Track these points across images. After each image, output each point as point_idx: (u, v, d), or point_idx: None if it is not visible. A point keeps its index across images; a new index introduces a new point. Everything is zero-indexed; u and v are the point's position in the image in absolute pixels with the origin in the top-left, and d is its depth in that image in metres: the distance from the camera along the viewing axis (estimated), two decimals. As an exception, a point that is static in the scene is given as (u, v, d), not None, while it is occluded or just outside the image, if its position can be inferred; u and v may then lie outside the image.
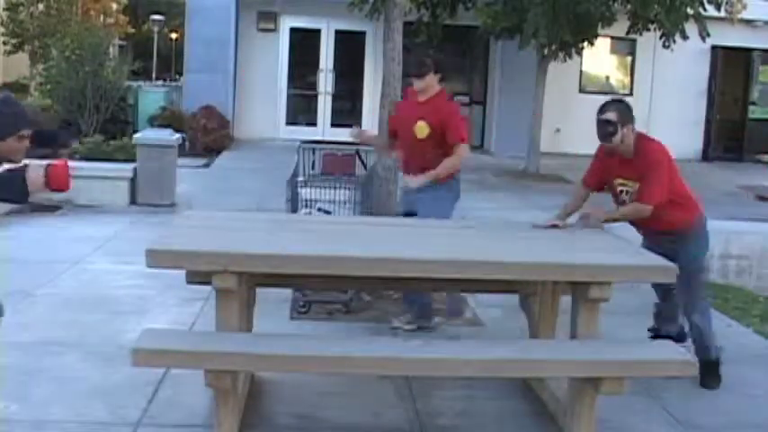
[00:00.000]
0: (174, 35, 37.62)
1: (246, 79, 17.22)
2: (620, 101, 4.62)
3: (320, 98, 17.93)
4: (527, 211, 10.53)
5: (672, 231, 4.54)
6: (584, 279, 3.80)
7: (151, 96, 15.80)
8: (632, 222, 4.69)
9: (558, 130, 17.36)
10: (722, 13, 14.09)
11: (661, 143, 4.57)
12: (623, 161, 4.52)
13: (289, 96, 18.01)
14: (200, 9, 16.26)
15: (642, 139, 4.54)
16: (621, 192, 4.58)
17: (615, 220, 4.60)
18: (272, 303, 5.29)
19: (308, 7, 17.15)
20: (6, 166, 3.31)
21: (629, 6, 13.53)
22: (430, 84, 5.23)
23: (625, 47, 18.32)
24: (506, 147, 16.73)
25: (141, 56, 26.59)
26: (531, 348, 4.03)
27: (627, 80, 18.96)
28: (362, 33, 17.58)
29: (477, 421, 4.12)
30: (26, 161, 3.28)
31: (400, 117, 5.50)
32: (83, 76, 13.49)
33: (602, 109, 4.51)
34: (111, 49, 16.53)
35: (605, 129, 4.44)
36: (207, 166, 13.43)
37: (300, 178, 5.91)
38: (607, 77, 19.25)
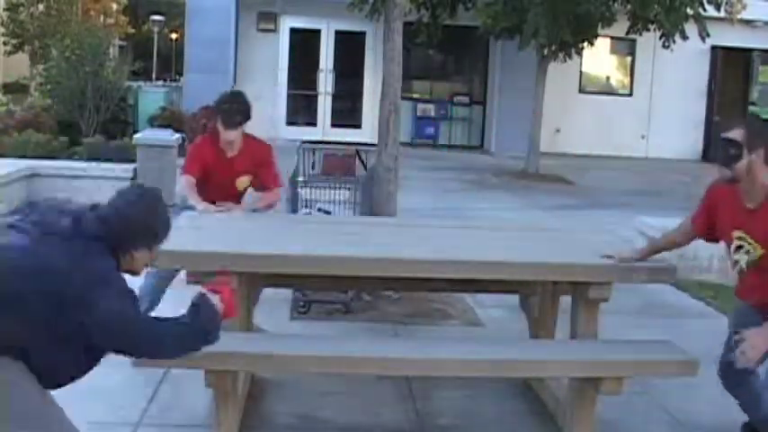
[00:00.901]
0: (174, 35, 37.66)
1: (246, 79, 17.21)
2: (757, 118, 3.48)
3: (320, 98, 17.94)
4: (527, 211, 10.54)
5: None
6: (583, 279, 3.80)
7: (151, 96, 15.76)
8: (740, 292, 3.66)
9: (557, 131, 17.36)
10: (722, 14, 14.10)
11: None
12: (747, 210, 3.47)
13: (289, 96, 18.01)
14: (200, 9, 16.26)
15: None
16: (739, 248, 3.51)
17: None
18: (273, 303, 5.29)
19: (308, 8, 17.16)
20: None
21: (628, 6, 13.54)
22: (240, 134, 4.86)
23: (625, 47, 18.34)
24: (506, 147, 16.76)
25: (141, 56, 26.57)
26: (531, 348, 4.04)
27: (627, 80, 18.98)
28: (362, 34, 17.59)
29: (477, 421, 4.12)
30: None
31: (210, 168, 4.85)
32: (83, 77, 13.47)
33: (728, 125, 3.52)
34: (111, 50, 16.50)
35: (726, 150, 3.44)
36: (207, 166, 13.40)
37: (300, 178, 5.92)
38: (607, 78, 19.28)
